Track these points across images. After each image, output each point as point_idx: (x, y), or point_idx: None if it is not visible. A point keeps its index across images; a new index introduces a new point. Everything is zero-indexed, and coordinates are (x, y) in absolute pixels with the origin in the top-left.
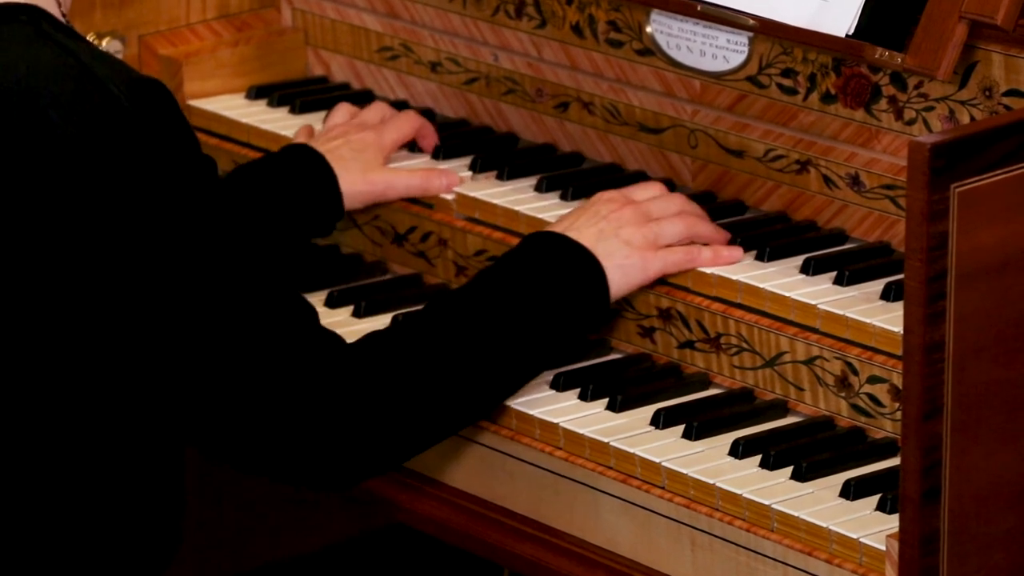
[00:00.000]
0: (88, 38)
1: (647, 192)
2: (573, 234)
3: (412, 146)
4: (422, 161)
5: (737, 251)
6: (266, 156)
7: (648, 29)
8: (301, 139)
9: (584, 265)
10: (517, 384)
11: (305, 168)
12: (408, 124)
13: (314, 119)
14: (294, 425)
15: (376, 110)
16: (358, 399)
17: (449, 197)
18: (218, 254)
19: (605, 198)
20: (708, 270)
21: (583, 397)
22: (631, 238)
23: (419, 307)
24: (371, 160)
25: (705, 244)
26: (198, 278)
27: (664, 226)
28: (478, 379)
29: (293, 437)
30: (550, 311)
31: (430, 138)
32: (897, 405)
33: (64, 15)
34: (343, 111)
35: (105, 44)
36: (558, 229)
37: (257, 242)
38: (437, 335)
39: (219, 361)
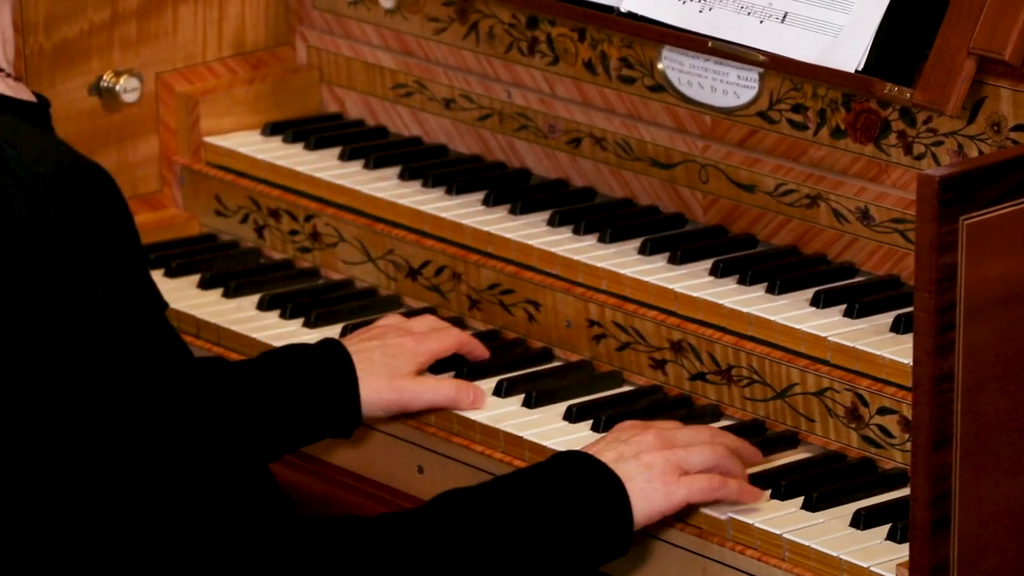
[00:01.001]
0: (106, 76)
1: (672, 423)
2: (591, 454)
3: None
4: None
5: (760, 492)
6: (296, 348)
7: (659, 66)
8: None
9: (604, 484)
10: None
11: (327, 367)
12: (451, 338)
13: (329, 155)
14: None
15: (424, 322)
16: None
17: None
18: (123, 396)
19: (627, 424)
20: (721, 301)
21: (595, 428)
22: (652, 462)
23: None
24: (401, 367)
25: (735, 477)
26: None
27: (691, 453)
28: None
29: None
30: (561, 532)
31: (477, 352)
32: (907, 436)
33: (4, 71)
34: (392, 319)
35: (123, 81)
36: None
37: (249, 431)
38: (432, 546)
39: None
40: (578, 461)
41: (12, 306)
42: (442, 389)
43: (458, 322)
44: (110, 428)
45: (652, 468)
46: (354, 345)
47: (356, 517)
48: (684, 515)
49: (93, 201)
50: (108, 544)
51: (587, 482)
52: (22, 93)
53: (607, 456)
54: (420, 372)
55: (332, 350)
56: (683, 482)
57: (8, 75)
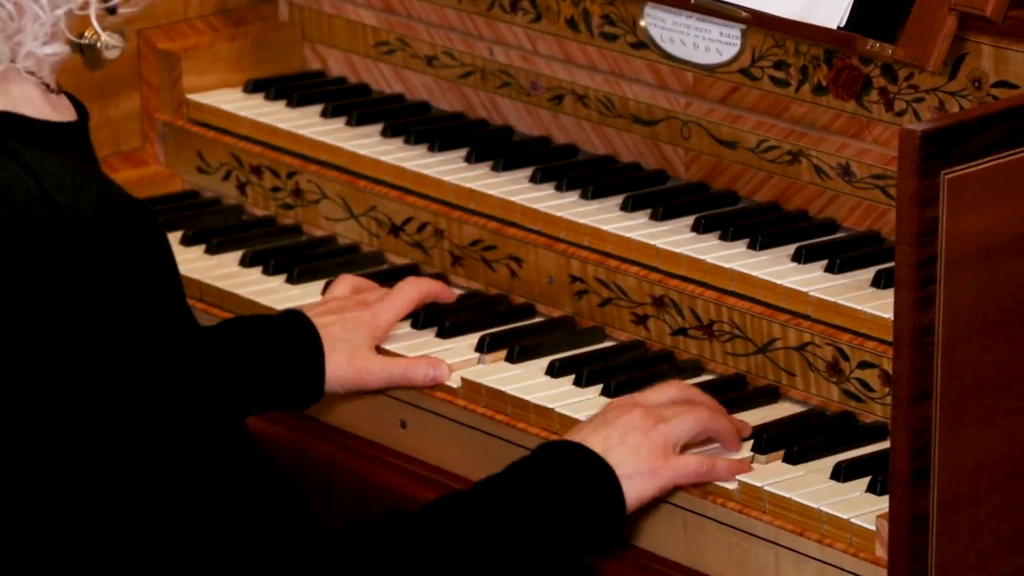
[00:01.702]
0: (87, 32)
1: (661, 395)
2: (577, 441)
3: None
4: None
5: (744, 467)
6: (260, 317)
7: (642, 23)
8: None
9: (595, 475)
10: None
11: (296, 340)
12: (405, 299)
13: (311, 112)
14: None
15: (379, 290)
16: None
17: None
18: (166, 424)
19: (615, 404)
20: (703, 257)
21: (578, 383)
22: (638, 445)
23: None
24: (361, 343)
25: (726, 437)
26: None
27: (674, 427)
28: None
29: None
30: (557, 526)
31: (439, 295)
32: (887, 390)
33: (50, 87)
34: (345, 284)
35: (105, 37)
36: (568, 438)
37: (224, 405)
38: (434, 547)
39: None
40: (568, 453)
41: (45, 336)
42: (396, 367)
43: (440, 278)
44: (135, 448)
45: (639, 453)
46: (316, 320)
47: (350, 525)
48: None
49: (133, 240)
50: (118, 526)
51: (579, 475)
52: (63, 110)
53: (595, 443)
54: (378, 344)
55: (299, 324)
56: (670, 465)
57: (51, 89)
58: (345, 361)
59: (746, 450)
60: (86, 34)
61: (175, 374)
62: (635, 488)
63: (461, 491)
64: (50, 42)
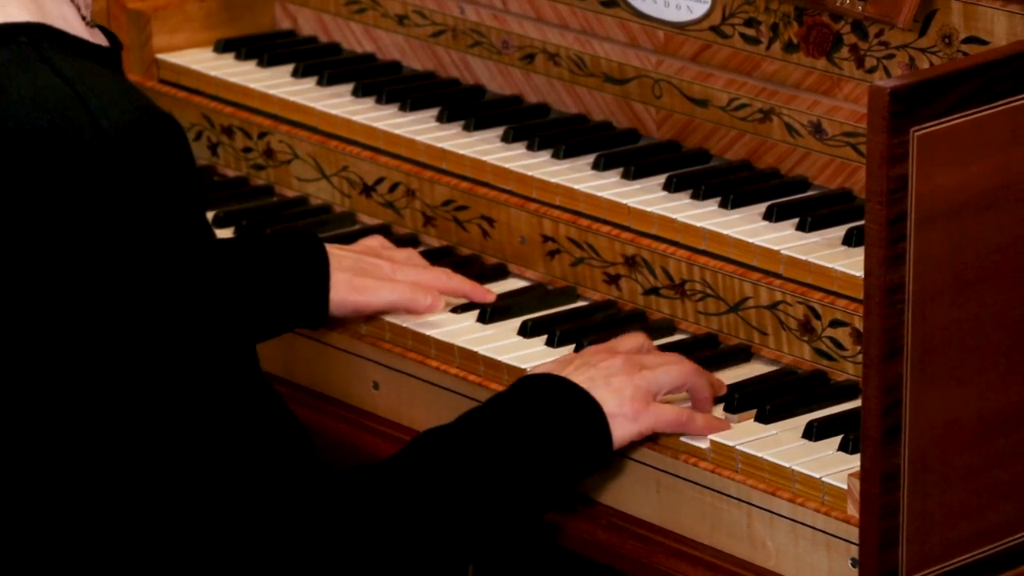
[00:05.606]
0: None
1: (632, 342)
2: (564, 376)
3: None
4: None
5: (724, 423)
6: (274, 234)
7: None
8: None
9: (582, 407)
10: (507, 531)
11: (302, 256)
12: (429, 275)
13: (283, 72)
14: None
15: (405, 252)
16: (334, 544)
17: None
18: (186, 347)
19: (594, 349)
20: (674, 216)
21: (550, 343)
22: (622, 387)
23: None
24: (366, 276)
25: (703, 396)
26: (147, 376)
27: (658, 374)
28: (472, 523)
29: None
30: (545, 457)
31: (477, 295)
32: (859, 348)
33: (85, 18)
34: (377, 239)
35: None
36: (549, 371)
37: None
38: (428, 486)
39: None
40: (554, 385)
41: (77, 240)
42: (399, 289)
43: (413, 239)
44: (156, 365)
45: (622, 393)
46: (329, 248)
47: (349, 469)
48: None
49: (164, 151)
50: (120, 436)
51: (566, 406)
52: (98, 39)
53: (579, 379)
54: None
55: (309, 243)
56: (651, 410)
57: (87, 21)
58: (346, 280)
59: (718, 410)
60: None
61: (195, 287)
62: (619, 427)
63: (446, 426)
64: None
